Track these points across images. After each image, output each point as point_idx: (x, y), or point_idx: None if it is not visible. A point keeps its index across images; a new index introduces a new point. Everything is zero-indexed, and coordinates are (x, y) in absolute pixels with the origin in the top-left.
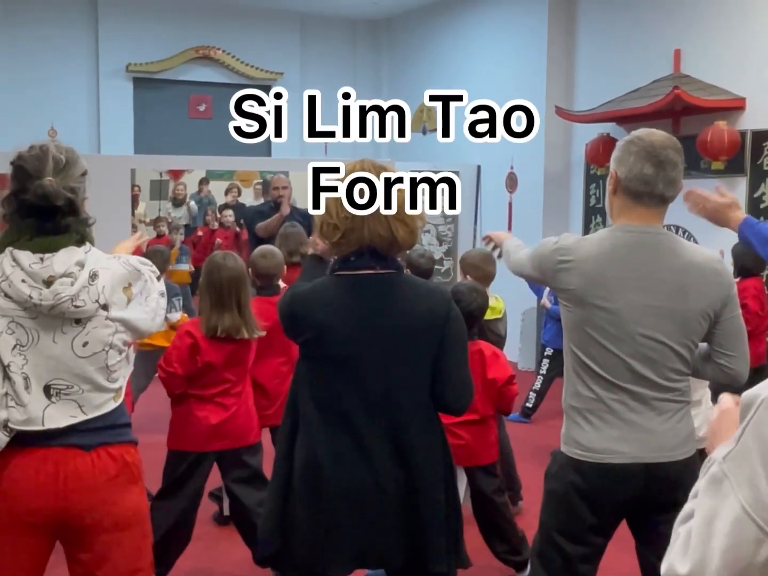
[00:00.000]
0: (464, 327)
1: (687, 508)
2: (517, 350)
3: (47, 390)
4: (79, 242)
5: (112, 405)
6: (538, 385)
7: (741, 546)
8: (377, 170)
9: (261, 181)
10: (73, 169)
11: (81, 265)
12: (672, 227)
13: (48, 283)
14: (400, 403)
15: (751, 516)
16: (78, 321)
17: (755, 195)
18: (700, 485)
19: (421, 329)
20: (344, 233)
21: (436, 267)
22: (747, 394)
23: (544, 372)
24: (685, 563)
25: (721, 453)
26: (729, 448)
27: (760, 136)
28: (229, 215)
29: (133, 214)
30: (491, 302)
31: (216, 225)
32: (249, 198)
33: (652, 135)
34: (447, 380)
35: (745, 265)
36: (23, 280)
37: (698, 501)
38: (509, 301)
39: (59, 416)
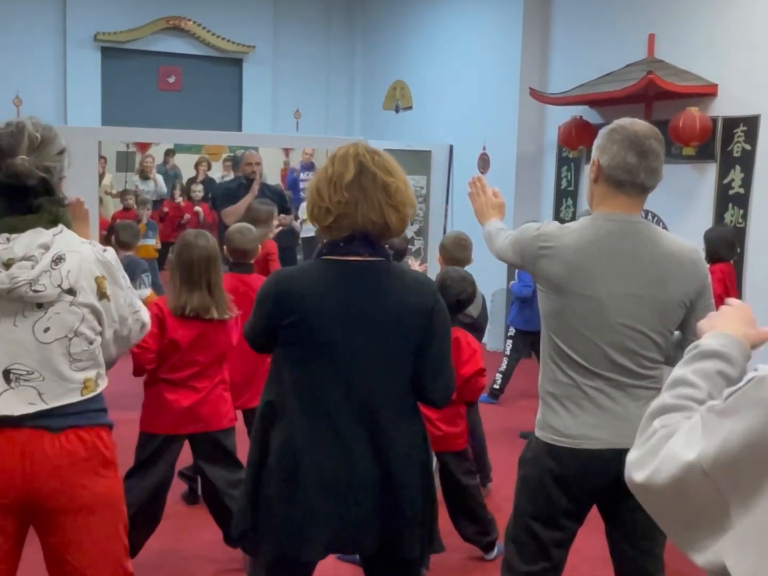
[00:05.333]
0: (449, 320)
1: (659, 402)
2: (486, 331)
3: (6, 375)
4: (52, 223)
5: (76, 397)
6: (503, 366)
7: (682, 481)
8: (371, 154)
9: (231, 155)
10: (49, 147)
11: (45, 247)
12: (642, 212)
13: (7, 265)
14: (380, 391)
15: (702, 469)
16: (40, 305)
17: (724, 181)
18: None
19: (405, 320)
20: (336, 217)
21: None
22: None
23: (509, 353)
24: (642, 471)
25: (712, 403)
26: (718, 402)
27: (730, 122)
28: (199, 191)
29: (99, 185)
30: None
31: (184, 199)
32: (218, 173)
33: (636, 124)
34: (429, 373)
35: (718, 251)
36: None
37: (674, 418)
38: (478, 282)
39: (16, 402)
